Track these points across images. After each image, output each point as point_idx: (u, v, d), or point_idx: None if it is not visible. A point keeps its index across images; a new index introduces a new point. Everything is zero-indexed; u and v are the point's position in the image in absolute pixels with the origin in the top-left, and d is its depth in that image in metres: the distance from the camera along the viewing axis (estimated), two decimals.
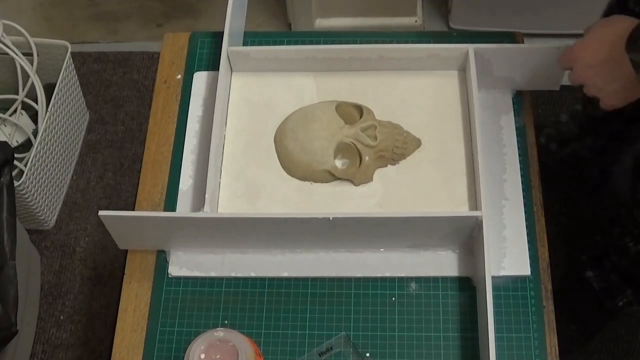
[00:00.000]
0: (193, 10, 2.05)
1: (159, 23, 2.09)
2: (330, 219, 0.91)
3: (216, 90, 1.02)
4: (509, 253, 0.97)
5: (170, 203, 1.03)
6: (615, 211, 1.39)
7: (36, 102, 1.69)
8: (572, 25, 1.96)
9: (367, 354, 0.93)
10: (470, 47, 1.03)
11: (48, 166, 1.71)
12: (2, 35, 1.67)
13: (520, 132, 1.06)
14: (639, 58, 0.82)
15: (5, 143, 1.44)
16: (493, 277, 0.91)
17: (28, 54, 1.71)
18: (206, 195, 0.96)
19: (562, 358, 0.93)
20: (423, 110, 1.06)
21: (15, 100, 1.70)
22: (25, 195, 1.62)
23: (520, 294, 0.95)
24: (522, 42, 1.13)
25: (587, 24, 0.94)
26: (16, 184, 1.52)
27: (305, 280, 0.98)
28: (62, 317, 1.69)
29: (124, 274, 1.00)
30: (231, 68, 1.09)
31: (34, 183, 1.64)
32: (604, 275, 1.37)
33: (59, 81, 1.71)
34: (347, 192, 1.01)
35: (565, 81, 1.07)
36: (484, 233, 0.91)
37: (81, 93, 1.86)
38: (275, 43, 1.13)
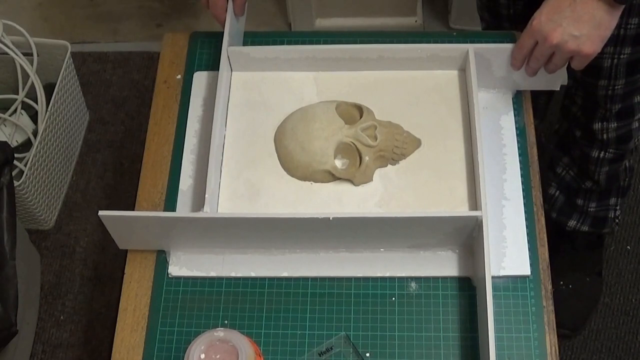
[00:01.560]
0: (193, 10, 2.05)
1: (159, 23, 2.09)
2: (330, 219, 0.91)
3: (216, 90, 1.02)
4: (509, 253, 0.97)
5: (170, 203, 1.03)
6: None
7: (36, 102, 1.69)
8: None
9: (367, 354, 0.93)
10: (470, 47, 1.03)
11: (48, 166, 1.71)
12: (2, 35, 1.67)
13: (520, 132, 1.06)
14: None
15: (5, 143, 1.44)
16: (493, 277, 0.91)
17: (28, 54, 1.71)
18: (206, 196, 0.96)
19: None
20: (423, 110, 1.06)
21: (15, 100, 1.70)
22: (25, 195, 1.62)
23: (520, 294, 0.95)
24: None
25: None
26: (16, 184, 1.52)
27: (305, 280, 0.98)
28: (62, 317, 1.69)
29: (124, 274, 1.00)
30: (231, 68, 1.09)
31: (34, 183, 1.64)
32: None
33: (59, 81, 1.71)
34: (347, 192, 1.01)
35: (566, 81, 1.07)
36: (484, 233, 0.91)
37: (81, 93, 1.86)
38: (275, 43, 1.13)
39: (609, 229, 1.53)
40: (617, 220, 1.55)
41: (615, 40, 1.13)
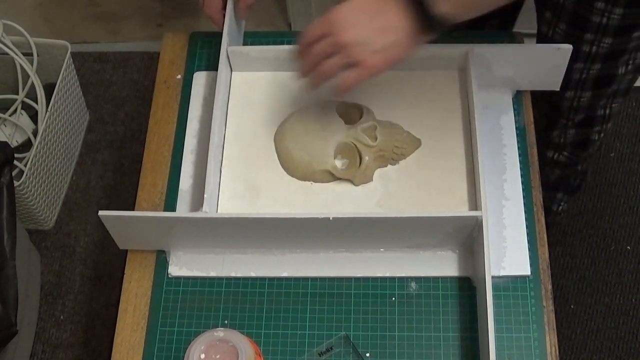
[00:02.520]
0: (193, 10, 2.05)
1: (159, 23, 2.09)
2: (330, 219, 0.91)
3: (216, 90, 1.02)
4: (509, 253, 0.97)
5: (170, 203, 1.03)
6: None
7: (36, 102, 1.69)
8: None
9: (367, 354, 0.93)
10: (470, 47, 1.03)
11: (48, 166, 1.71)
12: (2, 35, 1.67)
13: (520, 132, 1.06)
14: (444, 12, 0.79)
15: (5, 143, 1.44)
16: (493, 277, 0.91)
17: (28, 54, 1.71)
18: (205, 196, 0.96)
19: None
20: (423, 110, 1.06)
21: (15, 100, 1.70)
22: (25, 195, 1.62)
23: (520, 294, 0.95)
24: (522, 42, 1.13)
25: None
26: (16, 184, 1.52)
27: (305, 280, 0.98)
28: (62, 317, 1.69)
29: (124, 274, 1.00)
30: (231, 68, 1.09)
31: (34, 183, 1.64)
32: None
33: (59, 81, 1.71)
34: (347, 192, 1.01)
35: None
36: (484, 233, 0.91)
37: (81, 93, 1.86)
38: (275, 43, 1.13)
39: (551, 220, 1.53)
40: (561, 214, 1.58)
41: (586, 56, 1.13)
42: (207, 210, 0.95)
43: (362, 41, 0.82)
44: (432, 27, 0.82)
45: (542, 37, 1.17)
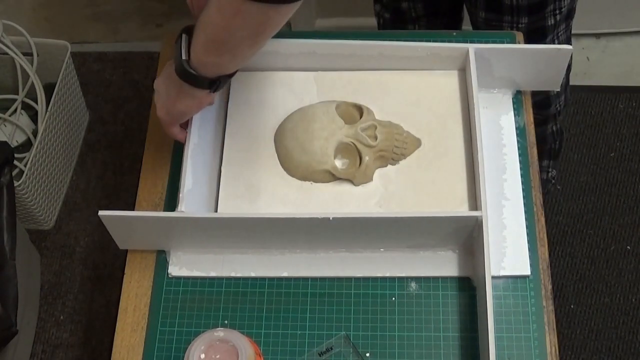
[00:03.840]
0: None
1: (159, 23, 2.09)
2: (330, 219, 0.91)
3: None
4: (509, 253, 0.97)
5: (170, 203, 1.03)
6: None
7: (36, 102, 1.69)
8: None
9: (367, 354, 0.93)
10: (470, 47, 1.03)
11: (48, 166, 1.71)
12: (2, 35, 1.67)
13: (520, 132, 1.06)
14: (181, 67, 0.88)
15: (5, 143, 1.44)
16: (493, 277, 0.91)
17: (28, 54, 1.71)
18: (180, 195, 0.95)
19: None
20: (423, 110, 1.06)
21: (15, 100, 1.70)
22: (25, 195, 1.62)
23: (520, 294, 0.95)
24: (522, 42, 1.13)
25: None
26: (16, 184, 1.52)
27: (305, 280, 0.98)
28: (62, 317, 1.69)
29: (124, 274, 1.00)
30: None
31: (34, 183, 1.64)
32: None
33: (59, 81, 1.71)
34: (347, 192, 1.01)
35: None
36: (484, 233, 0.91)
37: (81, 93, 1.86)
38: None
39: (545, 190, 1.55)
40: (552, 181, 1.62)
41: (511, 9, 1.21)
42: (184, 210, 0.94)
43: (160, 98, 0.95)
44: (196, 79, 0.88)
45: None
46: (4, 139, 1.66)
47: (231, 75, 0.92)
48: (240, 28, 0.81)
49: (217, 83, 0.90)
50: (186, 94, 0.91)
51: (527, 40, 1.14)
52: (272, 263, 0.98)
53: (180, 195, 0.95)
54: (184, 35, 0.88)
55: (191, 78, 0.88)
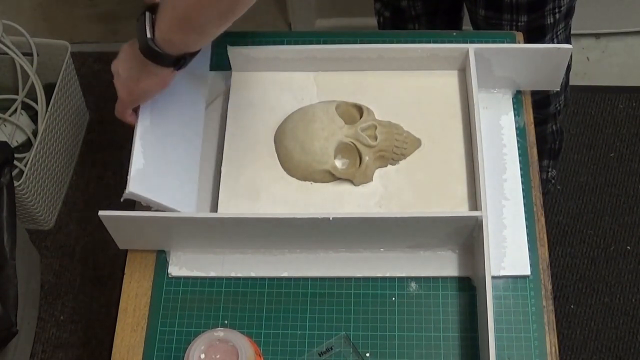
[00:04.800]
0: None
1: None
2: (330, 219, 0.91)
3: (215, 90, 1.02)
4: (509, 253, 0.97)
5: None
6: None
7: (36, 102, 1.69)
8: (572, 25, 1.96)
9: (367, 354, 0.93)
10: (470, 47, 1.03)
11: (48, 166, 1.71)
12: (2, 35, 1.67)
13: (520, 132, 1.06)
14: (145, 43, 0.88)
15: (5, 143, 1.44)
16: (493, 277, 0.91)
17: (28, 54, 1.71)
18: (129, 176, 0.92)
19: None
20: (423, 110, 1.06)
21: (15, 100, 1.70)
22: (25, 195, 1.62)
23: (520, 294, 0.95)
24: (522, 42, 1.13)
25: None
26: (16, 184, 1.52)
27: (305, 280, 0.98)
28: (62, 317, 1.69)
29: (124, 274, 1.00)
30: (231, 68, 1.09)
31: (34, 183, 1.64)
32: None
33: (59, 81, 1.71)
34: (347, 192, 1.01)
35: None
36: (484, 233, 0.91)
37: (81, 93, 1.86)
38: (275, 43, 1.13)
39: (545, 190, 1.55)
40: (552, 181, 1.62)
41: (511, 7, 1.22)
42: (132, 190, 0.91)
43: (120, 76, 0.99)
44: (161, 57, 0.88)
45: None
46: (4, 139, 1.66)
47: (195, 53, 0.91)
48: (211, 6, 0.81)
49: (182, 61, 0.90)
50: (150, 72, 0.91)
51: (527, 40, 1.14)
52: (272, 263, 0.98)
53: (129, 176, 0.92)
54: (147, 13, 0.88)
55: (156, 56, 0.88)
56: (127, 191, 0.91)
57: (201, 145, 1.04)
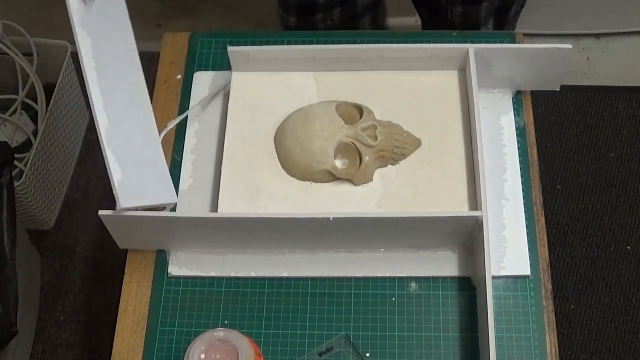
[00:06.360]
0: (193, 10, 2.05)
1: (159, 23, 2.09)
2: (331, 219, 0.91)
3: (216, 90, 1.02)
4: (509, 253, 0.97)
5: None
6: None
7: (36, 102, 1.69)
8: (572, 25, 1.96)
9: (367, 354, 0.93)
10: (470, 47, 1.03)
11: (48, 166, 1.71)
12: (2, 35, 1.67)
13: (520, 132, 1.06)
14: None
15: (5, 143, 1.44)
16: (493, 277, 0.91)
17: (28, 54, 1.71)
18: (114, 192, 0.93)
19: None
20: (423, 110, 1.06)
21: (15, 100, 1.70)
22: (25, 195, 1.62)
23: (520, 294, 0.95)
24: (522, 42, 1.13)
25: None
26: (16, 184, 1.52)
27: (305, 280, 0.98)
28: (62, 317, 1.69)
29: (124, 274, 1.00)
30: (231, 68, 1.09)
31: (34, 183, 1.64)
32: None
33: (59, 81, 1.71)
34: (347, 192, 1.01)
35: (566, 81, 1.07)
36: (484, 233, 0.91)
37: (81, 93, 1.86)
38: (275, 43, 1.13)
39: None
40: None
41: None
42: (124, 206, 0.92)
43: None
44: None
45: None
46: (4, 139, 1.66)
47: None
48: None
49: None
50: None
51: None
52: (272, 263, 0.98)
53: (114, 191, 0.93)
54: None
55: None
56: (117, 208, 0.93)
57: (149, 101, 1.03)
